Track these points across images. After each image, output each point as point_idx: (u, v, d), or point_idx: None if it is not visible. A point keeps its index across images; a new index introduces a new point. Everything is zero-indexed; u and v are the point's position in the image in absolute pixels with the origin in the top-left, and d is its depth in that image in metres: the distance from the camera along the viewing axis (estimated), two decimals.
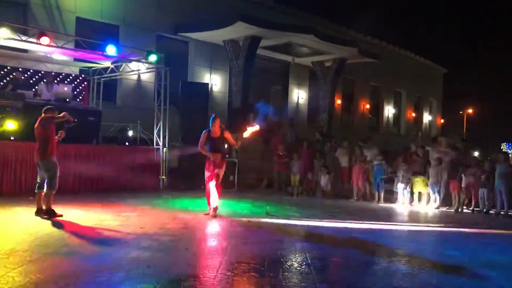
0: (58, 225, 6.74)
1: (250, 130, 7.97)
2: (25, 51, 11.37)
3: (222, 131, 8.05)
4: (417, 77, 27.08)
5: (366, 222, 8.60)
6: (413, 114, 28.24)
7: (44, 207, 7.22)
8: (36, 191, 7.32)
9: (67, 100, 11.12)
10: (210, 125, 7.96)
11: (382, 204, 11.38)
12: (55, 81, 12.08)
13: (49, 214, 7.15)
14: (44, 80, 11.89)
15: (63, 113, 7.57)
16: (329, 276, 4.94)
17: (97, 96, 13.49)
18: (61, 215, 7.23)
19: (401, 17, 25.56)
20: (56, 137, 7.44)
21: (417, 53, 27.06)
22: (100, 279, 4.29)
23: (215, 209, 8.00)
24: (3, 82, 11.62)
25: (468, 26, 46.22)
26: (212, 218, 7.87)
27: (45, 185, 7.23)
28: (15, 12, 12.64)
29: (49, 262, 4.83)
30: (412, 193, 11.33)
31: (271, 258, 5.44)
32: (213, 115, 8.17)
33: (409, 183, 11.28)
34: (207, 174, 7.95)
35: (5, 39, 9.14)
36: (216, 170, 7.89)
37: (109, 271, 4.52)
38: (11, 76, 11.78)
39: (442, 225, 8.79)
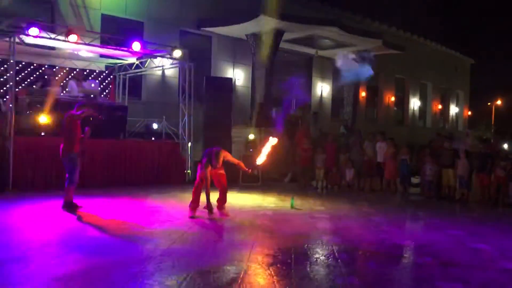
0: (88, 218, 6.90)
1: (267, 148, 7.31)
2: (53, 48, 11.61)
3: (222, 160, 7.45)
4: (443, 68, 26.56)
5: (394, 215, 8.52)
6: (439, 107, 27.72)
7: (66, 200, 7.37)
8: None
9: (95, 96, 11.32)
10: (212, 158, 7.27)
11: (409, 197, 11.25)
12: (82, 78, 12.30)
13: (68, 207, 7.29)
14: (71, 76, 12.13)
15: (87, 109, 7.58)
16: (358, 269, 4.92)
17: (122, 91, 13.70)
18: (80, 207, 7.39)
19: (426, 7, 25.01)
20: (82, 134, 7.53)
21: (443, 43, 26.52)
22: (131, 270, 4.38)
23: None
24: (31, 78, 11.91)
25: (496, 15, 44.93)
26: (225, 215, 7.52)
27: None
28: (43, 10, 12.90)
29: (81, 254, 4.96)
30: (440, 186, 11.15)
31: (298, 251, 5.46)
32: (219, 149, 7.49)
33: (436, 176, 11.11)
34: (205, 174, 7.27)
35: (34, 37, 9.33)
36: (220, 171, 7.57)
37: (140, 263, 4.61)
38: (39, 72, 12.06)
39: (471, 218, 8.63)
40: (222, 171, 7.63)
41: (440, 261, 5.30)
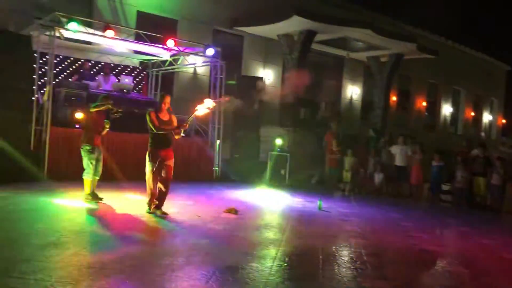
0: (117, 210, 7.05)
1: (205, 105, 6.42)
2: (89, 43, 11.89)
3: (170, 115, 7.02)
4: (478, 74, 25.91)
5: (423, 221, 8.39)
6: (472, 114, 27.07)
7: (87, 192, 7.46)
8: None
9: (128, 91, 11.54)
10: (159, 103, 6.92)
11: (439, 204, 11.07)
12: (110, 72, 12.55)
13: (86, 198, 7.34)
14: (104, 71, 12.40)
15: (105, 102, 7.41)
16: (386, 273, 4.88)
17: (155, 88, 13.91)
18: (101, 198, 7.46)
19: (461, 11, 24.47)
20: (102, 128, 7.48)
21: (478, 49, 25.88)
22: (162, 262, 4.47)
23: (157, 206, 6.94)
24: (67, 72, 12.23)
25: None
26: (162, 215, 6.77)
27: None
28: (81, 6, 13.22)
29: (114, 244, 5.08)
30: (472, 194, 10.92)
31: (326, 252, 5.44)
32: (163, 93, 7.24)
33: (467, 183, 10.89)
34: (151, 166, 6.76)
35: (73, 31, 9.59)
36: (167, 162, 6.88)
37: (170, 256, 4.69)
38: (76, 65, 12.38)
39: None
40: (170, 163, 6.91)
41: (471, 270, 5.20)
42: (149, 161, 6.78)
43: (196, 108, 6.36)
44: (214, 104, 6.41)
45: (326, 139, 12.71)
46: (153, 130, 6.80)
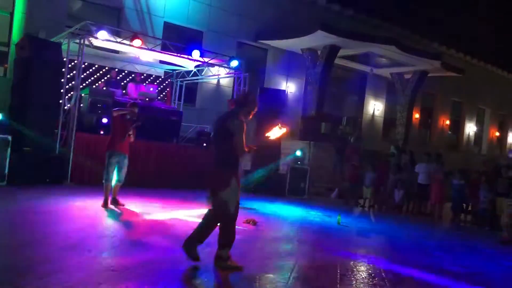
0: (139, 216, 7.13)
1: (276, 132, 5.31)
2: (117, 52, 12.16)
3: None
4: (503, 94, 25.50)
5: (442, 239, 8.25)
6: (497, 133, 26.59)
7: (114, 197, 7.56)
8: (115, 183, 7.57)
9: (152, 99, 11.74)
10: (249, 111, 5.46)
11: (460, 224, 10.86)
12: (140, 81, 12.79)
13: (104, 204, 7.36)
14: (135, 80, 12.64)
15: (129, 110, 7.48)
16: None
17: (178, 97, 14.11)
18: (122, 204, 7.51)
19: (487, 30, 24.15)
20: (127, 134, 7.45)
21: (504, 68, 25.49)
22: (180, 267, 4.51)
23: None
24: (93, 78, 12.52)
25: None
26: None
27: None
28: (110, 15, 13.57)
29: (134, 248, 5.14)
30: (495, 215, 10.68)
31: (344, 267, 5.39)
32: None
33: (490, 204, 10.66)
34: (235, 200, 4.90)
35: (102, 40, 9.84)
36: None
37: (189, 263, 4.71)
38: (102, 73, 12.66)
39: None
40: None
41: None
42: (232, 193, 4.65)
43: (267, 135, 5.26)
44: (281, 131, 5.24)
45: (347, 154, 12.65)
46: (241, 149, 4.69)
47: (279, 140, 12.71)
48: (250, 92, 5.30)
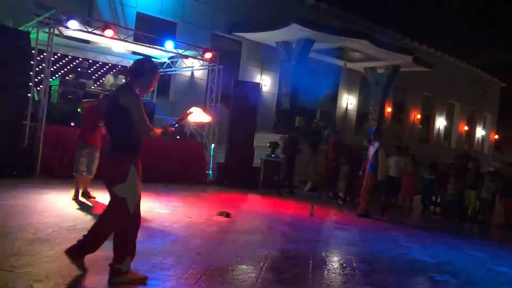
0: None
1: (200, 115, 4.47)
2: (87, 42, 11.90)
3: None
4: (473, 89, 26.19)
5: (411, 229, 8.43)
6: (465, 128, 27.31)
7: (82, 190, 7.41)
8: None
9: None
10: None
11: (429, 215, 11.13)
12: (118, 73, 12.59)
13: (73, 198, 7.23)
14: (102, 70, 12.44)
15: (102, 101, 7.07)
16: (375, 280, 4.90)
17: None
18: (93, 197, 7.41)
19: (459, 27, 24.76)
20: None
21: (474, 64, 26.16)
22: (153, 261, 4.47)
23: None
24: (65, 70, 12.24)
25: None
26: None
27: None
28: (81, 4, 13.26)
29: (106, 241, 5.07)
30: (463, 207, 11.02)
31: (316, 258, 5.47)
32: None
33: (458, 196, 10.98)
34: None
35: (73, 30, 9.61)
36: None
37: (161, 255, 4.69)
38: (73, 64, 12.39)
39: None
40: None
41: (459, 280, 5.25)
42: (131, 187, 3.84)
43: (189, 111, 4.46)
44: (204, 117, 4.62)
45: (326, 148, 12.74)
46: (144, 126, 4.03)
47: (252, 132, 12.70)
48: (147, 58, 4.15)
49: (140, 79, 3.84)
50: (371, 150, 9.33)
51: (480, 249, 7.47)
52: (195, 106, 4.39)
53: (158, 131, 3.91)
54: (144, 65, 3.89)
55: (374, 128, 9.50)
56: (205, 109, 4.44)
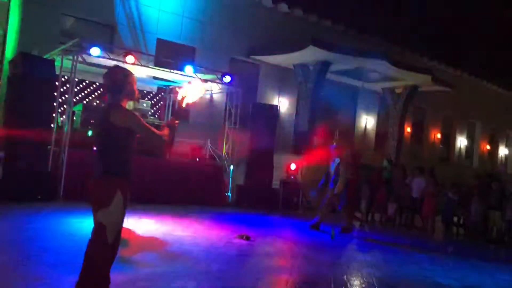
0: (132, 232, 7.09)
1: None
2: None
3: None
4: (494, 108, 25.81)
5: (435, 252, 8.27)
6: (488, 147, 26.84)
7: None
8: None
9: (145, 115, 11.77)
10: None
11: (452, 237, 10.91)
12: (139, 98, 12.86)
13: None
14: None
15: None
16: None
17: (172, 113, 14.14)
18: None
19: (477, 45, 24.57)
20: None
21: (494, 82, 25.84)
22: (173, 285, 4.49)
23: None
24: (91, 96, 12.56)
25: None
26: None
27: None
28: (103, 32, 13.66)
29: (126, 265, 5.11)
30: (486, 227, 10.78)
31: (337, 281, 5.41)
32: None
33: (482, 217, 10.76)
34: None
35: (95, 57, 9.90)
36: None
37: (181, 280, 4.71)
38: (96, 89, 12.71)
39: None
40: None
41: None
42: (113, 214, 3.69)
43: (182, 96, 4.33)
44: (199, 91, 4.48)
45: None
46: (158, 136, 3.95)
47: (271, 153, 12.72)
48: (115, 69, 3.83)
49: (122, 92, 3.66)
50: (332, 166, 9.33)
51: (508, 273, 7.28)
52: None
53: (166, 131, 3.81)
54: (118, 77, 3.67)
55: (335, 144, 9.51)
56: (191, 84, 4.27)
